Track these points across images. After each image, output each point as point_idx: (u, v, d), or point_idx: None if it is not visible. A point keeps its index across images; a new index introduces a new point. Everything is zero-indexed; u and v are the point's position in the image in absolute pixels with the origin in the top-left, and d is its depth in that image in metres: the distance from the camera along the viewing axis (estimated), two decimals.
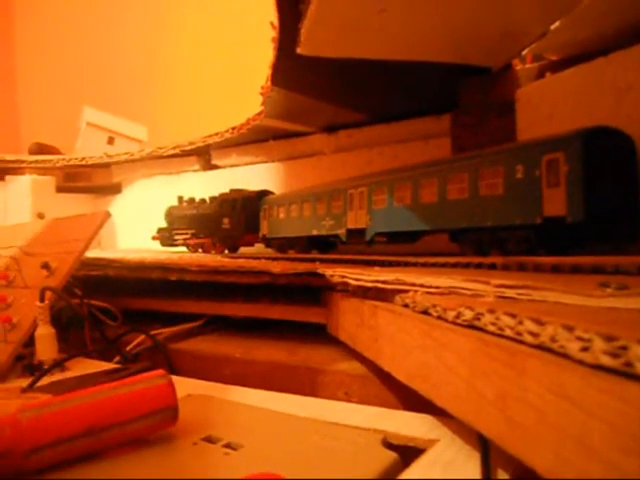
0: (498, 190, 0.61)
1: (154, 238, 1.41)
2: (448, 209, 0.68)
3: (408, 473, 0.28)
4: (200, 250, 1.29)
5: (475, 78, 0.86)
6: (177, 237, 1.36)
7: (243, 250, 1.22)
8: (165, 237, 1.39)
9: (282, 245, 1.07)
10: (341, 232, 0.88)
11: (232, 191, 1.23)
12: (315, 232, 0.94)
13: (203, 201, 1.31)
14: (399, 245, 0.81)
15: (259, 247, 1.21)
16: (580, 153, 0.52)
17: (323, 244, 0.99)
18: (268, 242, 1.12)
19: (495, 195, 0.61)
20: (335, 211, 0.89)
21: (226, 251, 1.22)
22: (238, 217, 1.18)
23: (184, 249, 1.34)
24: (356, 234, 0.85)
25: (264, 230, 1.12)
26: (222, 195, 1.24)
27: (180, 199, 1.38)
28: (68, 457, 0.30)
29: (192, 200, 1.34)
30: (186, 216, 1.33)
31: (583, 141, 0.53)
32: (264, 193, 1.18)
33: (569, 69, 0.71)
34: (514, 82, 0.83)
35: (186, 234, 1.32)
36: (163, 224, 1.41)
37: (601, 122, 0.64)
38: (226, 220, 1.20)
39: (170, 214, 1.39)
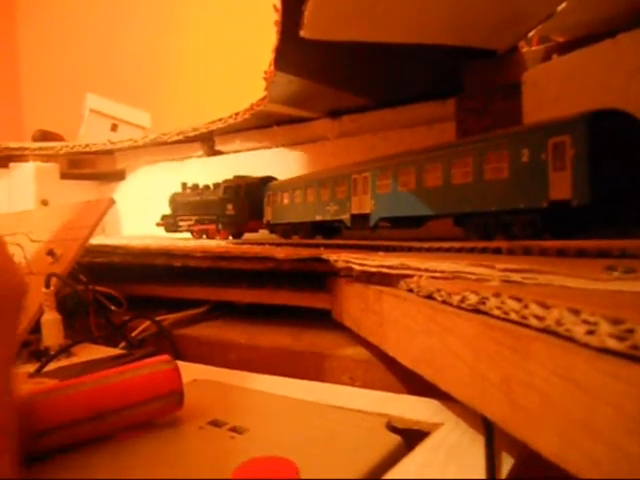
0: (503, 174, 0.60)
1: (158, 224, 1.41)
2: (452, 193, 0.67)
3: (412, 456, 0.29)
4: (204, 236, 1.29)
5: (480, 61, 0.85)
6: (181, 223, 1.36)
7: (247, 236, 1.22)
8: (169, 223, 1.39)
9: (286, 231, 1.07)
10: (345, 217, 0.88)
11: (236, 177, 1.23)
12: (319, 217, 0.94)
13: (207, 187, 1.31)
14: (403, 230, 0.81)
15: (263, 233, 1.21)
16: (586, 136, 0.52)
17: (327, 229, 0.99)
18: (272, 228, 1.12)
19: (500, 179, 0.61)
20: (339, 196, 0.89)
21: (230, 237, 1.22)
22: (242, 203, 1.18)
23: (188, 235, 1.34)
24: (360, 219, 0.84)
25: (268, 216, 1.12)
26: (226, 181, 1.23)
27: (184, 186, 1.38)
28: (76, 440, 0.30)
29: (196, 187, 1.34)
30: (190, 203, 1.33)
31: (589, 124, 0.52)
32: (268, 179, 1.18)
33: (576, 51, 0.70)
34: (520, 65, 0.82)
35: (190, 220, 1.32)
36: (167, 210, 1.41)
37: (609, 104, 0.64)
38: (230, 206, 1.20)
39: (174, 201, 1.39)
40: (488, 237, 0.64)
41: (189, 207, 1.33)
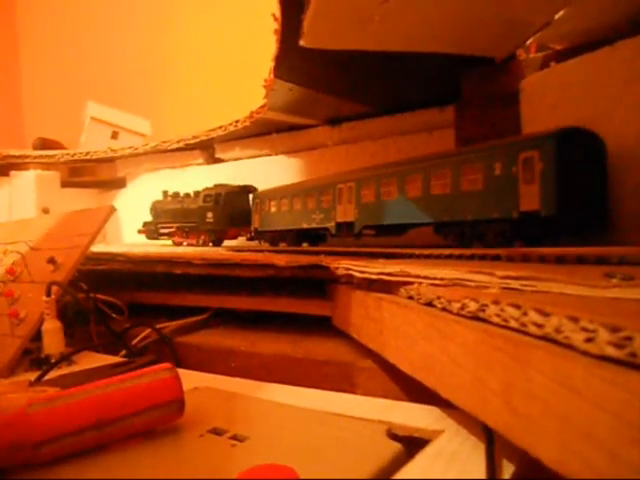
0: (478, 186, 0.64)
1: (139, 232, 1.44)
2: (432, 203, 0.71)
3: (413, 464, 0.29)
4: (185, 243, 1.32)
5: (479, 69, 0.86)
6: (162, 230, 1.39)
7: (228, 243, 1.26)
8: (150, 230, 1.42)
9: (274, 238, 1.10)
10: (330, 225, 0.91)
11: (216, 186, 1.26)
12: (305, 225, 0.97)
13: (187, 195, 1.34)
14: (386, 237, 0.84)
15: (242, 240, 1.26)
16: (553, 152, 0.56)
17: (313, 237, 1.03)
18: (260, 235, 1.15)
19: (475, 190, 0.65)
20: (325, 205, 0.92)
21: (210, 244, 1.25)
22: (222, 211, 1.21)
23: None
24: (345, 227, 0.88)
25: (256, 223, 1.15)
26: (206, 190, 1.27)
27: (165, 193, 1.41)
28: (76, 449, 0.30)
29: (176, 194, 1.37)
30: (171, 210, 1.36)
31: (556, 141, 0.56)
32: (248, 188, 1.22)
33: (574, 59, 0.71)
34: (518, 72, 0.82)
35: (171, 227, 1.35)
36: None
37: (606, 112, 0.64)
38: (210, 214, 1.23)
39: (155, 208, 1.42)
40: (465, 245, 0.67)
41: (170, 214, 1.36)
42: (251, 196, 1.22)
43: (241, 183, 1.25)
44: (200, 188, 1.34)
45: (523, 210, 0.59)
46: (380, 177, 0.80)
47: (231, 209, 1.21)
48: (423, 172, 0.72)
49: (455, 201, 0.67)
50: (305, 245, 1.03)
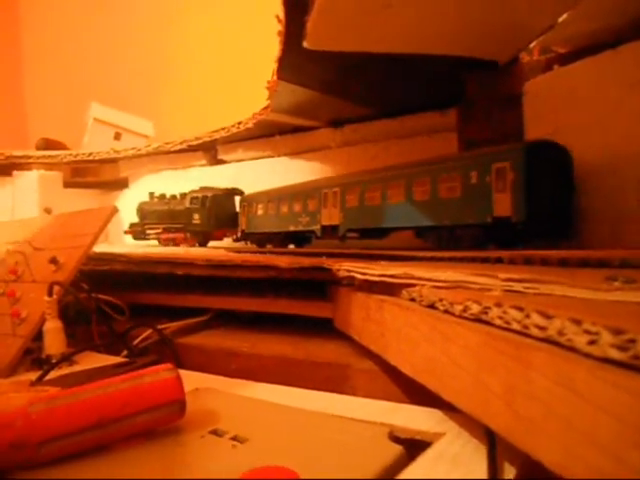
0: (456, 193, 0.69)
1: (126, 232, 1.46)
2: (413, 209, 0.76)
3: (414, 466, 0.28)
4: (171, 244, 1.34)
5: (482, 71, 0.86)
6: (149, 232, 1.41)
7: (214, 244, 1.29)
8: (137, 231, 1.44)
9: (261, 240, 1.14)
10: (316, 228, 0.95)
11: (202, 188, 1.29)
12: (292, 228, 1.01)
13: (174, 197, 1.37)
14: (369, 240, 0.87)
15: (227, 242, 1.29)
16: (523, 163, 0.61)
17: (299, 239, 1.06)
18: (247, 237, 1.18)
19: (453, 197, 0.69)
20: (310, 209, 0.96)
21: (197, 245, 1.28)
22: (208, 213, 1.25)
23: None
24: (330, 230, 0.92)
25: (243, 225, 1.18)
26: (192, 192, 1.30)
27: (151, 195, 1.43)
28: (77, 449, 0.30)
29: (163, 196, 1.40)
30: (157, 212, 1.38)
31: (525, 153, 0.61)
32: (234, 191, 1.26)
33: (577, 62, 0.71)
34: (521, 75, 0.82)
35: (158, 229, 1.38)
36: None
37: (609, 115, 0.64)
38: (196, 216, 1.27)
39: (141, 209, 1.44)
40: (442, 247, 0.71)
41: (157, 216, 1.39)
42: (238, 199, 1.26)
43: (240, 185, 1.28)
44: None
45: (496, 216, 0.64)
46: (364, 183, 0.85)
47: (217, 211, 1.25)
48: (405, 179, 0.77)
49: (434, 207, 0.72)
50: (291, 247, 1.07)
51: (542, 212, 0.62)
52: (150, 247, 1.30)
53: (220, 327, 0.72)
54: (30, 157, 1.48)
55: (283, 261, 0.59)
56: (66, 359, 0.54)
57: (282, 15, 0.66)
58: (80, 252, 0.64)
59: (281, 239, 1.07)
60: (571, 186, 0.65)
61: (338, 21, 0.67)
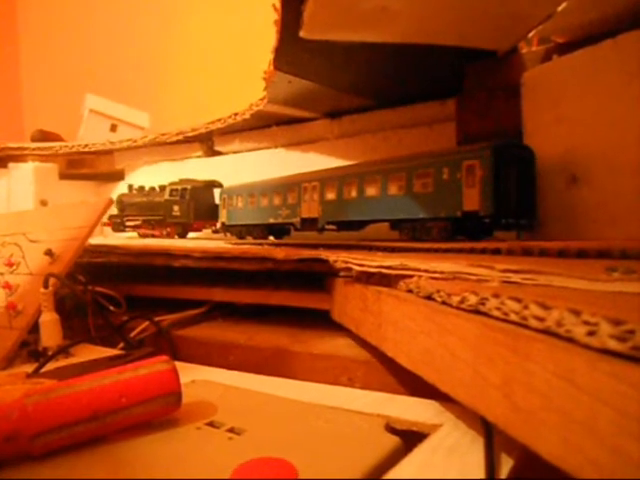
0: (429, 188, 0.74)
1: (105, 224, 1.47)
2: (389, 202, 0.80)
3: (411, 458, 0.28)
4: (151, 236, 1.36)
5: (480, 62, 0.85)
6: (128, 223, 1.42)
7: (193, 235, 1.32)
8: (117, 223, 1.45)
9: (241, 232, 1.17)
10: (296, 220, 0.99)
11: (182, 180, 1.31)
12: (272, 220, 1.05)
13: (153, 189, 1.38)
14: (347, 232, 0.92)
15: (207, 233, 1.32)
16: (490, 161, 0.66)
17: (278, 231, 1.11)
18: (227, 229, 1.21)
19: (426, 192, 0.74)
20: (290, 202, 1.00)
21: (176, 236, 1.30)
22: (187, 205, 1.27)
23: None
24: (309, 222, 0.96)
25: (223, 218, 1.21)
26: (172, 184, 1.32)
27: (130, 187, 1.44)
28: (73, 441, 0.30)
29: (142, 188, 1.41)
30: (137, 203, 1.40)
31: (493, 152, 0.66)
32: (213, 183, 1.29)
33: (576, 52, 0.70)
34: (520, 65, 0.82)
35: (137, 220, 1.39)
36: None
37: (609, 105, 0.64)
38: (176, 207, 1.29)
39: (121, 201, 1.45)
40: (416, 239, 0.76)
41: (136, 208, 1.40)
42: (217, 191, 1.28)
43: (237, 176, 1.27)
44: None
45: (465, 210, 0.68)
46: (342, 178, 0.89)
47: (197, 203, 1.27)
48: (381, 175, 0.81)
49: (409, 201, 0.77)
50: (271, 239, 1.11)
51: (507, 206, 0.67)
52: (147, 239, 1.30)
53: (218, 319, 0.72)
54: (25, 149, 1.47)
55: (280, 253, 0.59)
56: (62, 351, 0.54)
57: (279, 4, 0.65)
58: (76, 244, 0.63)
59: (261, 231, 1.11)
60: (533, 182, 0.70)
61: (335, 10, 0.66)
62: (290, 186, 1.00)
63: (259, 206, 1.09)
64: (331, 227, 0.94)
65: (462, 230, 0.71)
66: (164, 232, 1.33)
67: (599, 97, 0.67)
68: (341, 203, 0.89)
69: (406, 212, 0.77)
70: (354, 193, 0.86)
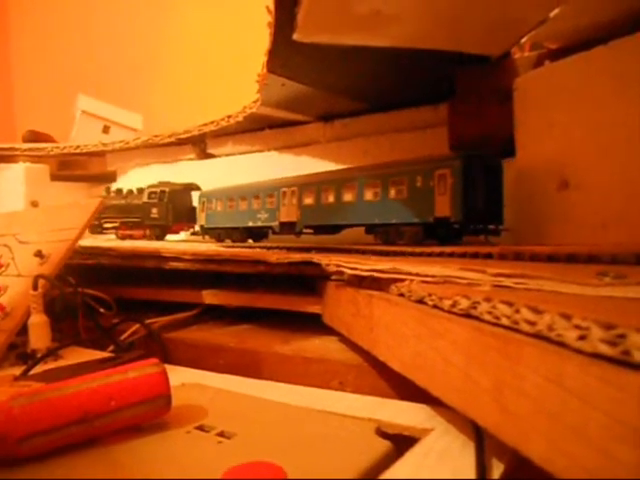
0: (403, 195, 0.78)
1: None
2: (365, 208, 0.84)
3: (402, 462, 0.28)
4: (129, 237, 1.37)
5: (473, 66, 0.85)
6: (106, 225, 1.43)
7: (171, 237, 1.34)
8: (94, 225, 1.45)
9: (220, 234, 1.20)
10: (274, 224, 1.03)
11: (160, 183, 1.33)
12: (251, 223, 1.09)
13: (130, 192, 1.39)
14: (324, 235, 0.96)
15: (186, 235, 1.35)
16: (461, 170, 0.70)
17: (257, 234, 1.13)
18: (206, 231, 1.24)
19: (400, 199, 0.78)
20: (269, 206, 1.04)
21: (154, 238, 1.32)
22: (166, 208, 1.29)
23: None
24: (288, 226, 1.00)
25: (201, 220, 1.24)
26: (150, 187, 1.33)
27: (108, 189, 1.45)
28: (61, 444, 0.30)
29: (119, 191, 1.42)
30: (115, 206, 1.40)
31: (463, 162, 0.70)
32: (191, 186, 1.31)
33: (568, 57, 0.71)
34: (512, 71, 0.82)
35: (115, 222, 1.40)
36: None
37: (601, 111, 0.64)
38: (155, 210, 1.31)
39: None
40: (390, 243, 0.80)
41: (114, 210, 1.40)
42: (196, 195, 1.29)
43: (229, 179, 1.27)
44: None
45: (437, 216, 0.73)
46: (321, 184, 0.93)
47: (175, 205, 1.29)
48: (358, 182, 0.86)
49: (384, 207, 0.81)
50: (250, 242, 1.14)
51: (476, 213, 0.71)
52: (138, 242, 1.30)
53: (209, 322, 0.71)
54: (16, 149, 1.46)
55: (273, 256, 0.58)
56: (51, 354, 0.53)
57: (272, 6, 0.65)
58: (66, 246, 0.63)
59: (240, 234, 1.14)
60: (500, 190, 0.74)
61: (329, 13, 0.66)
62: (269, 191, 1.04)
63: (238, 210, 1.13)
64: (308, 231, 0.98)
65: (433, 235, 0.75)
66: (143, 234, 1.34)
67: (591, 103, 0.67)
68: (319, 208, 0.93)
69: (381, 217, 0.82)
70: (331, 198, 0.90)
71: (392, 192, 0.79)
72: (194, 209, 1.28)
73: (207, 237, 1.24)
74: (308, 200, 0.95)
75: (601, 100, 0.66)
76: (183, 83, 2.06)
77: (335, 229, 0.93)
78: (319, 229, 0.96)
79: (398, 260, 0.48)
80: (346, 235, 0.93)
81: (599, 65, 0.66)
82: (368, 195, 0.83)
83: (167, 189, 1.30)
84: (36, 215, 0.75)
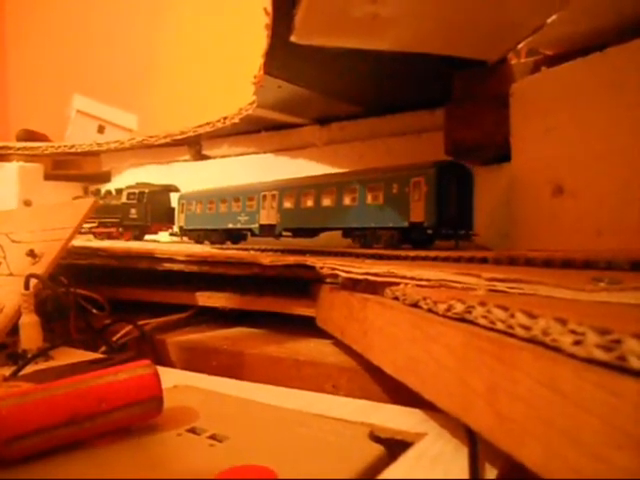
0: (379, 200, 0.81)
1: None
2: (343, 212, 0.88)
3: (395, 467, 0.28)
4: (106, 238, 1.38)
5: (470, 71, 0.86)
6: (84, 225, 1.41)
7: (150, 238, 1.36)
8: None
9: (199, 236, 1.22)
10: (255, 227, 1.06)
11: (139, 184, 1.35)
12: (231, 225, 1.12)
13: (109, 192, 1.41)
14: (302, 238, 0.99)
15: (163, 236, 1.37)
16: (434, 178, 0.74)
17: (236, 236, 1.16)
18: (185, 232, 1.27)
19: (377, 204, 0.82)
20: (249, 209, 1.07)
21: (133, 239, 1.33)
22: (145, 208, 1.31)
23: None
24: (267, 228, 1.03)
25: (181, 222, 1.27)
26: (129, 187, 1.35)
27: (85, 190, 1.49)
28: (50, 446, 0.29)
29: (98, 191, 1.45)
30: None
31: (436, 170, 0.74)
32: (169, 187, 1.34)
33: (565, 64, 0.71)
34: (509, 76, 0.82)
35: (93, 223, 1.40)
36: None
37: (597, 118, 0.65)
38: (134, 210, 1.33)
39: None
40: (367, 246, 0.83)
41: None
42: (175, 196, 1.32)
43: (224, 181, 1.27)
44: (186, 184, 1.35)
45: (412, 221, 0.76)
46: (300, 189, 0.96)
47: (154, 206, 1.31)
48: (336, 187, 0.89)
49: (361, 211, 0.84)
50: (229, 243, 1.15)
51: (448, 219, 0.75)
52: (131, 242, 1.29)
53: (202, 324, 0.71)
54: (10, 148, 1.45)
55: (267, 258, 0.58)
56: (42, 354, 0.53)
57: (270, 8, 0.65)
58: (59, 245, 0.62)
59: (219, 235, 1.16)
60: (471, 197, 0.78)
61: (326, 15, 0.66)
62: (250, 194, 1.07)
63: (218, 212, 1.15)
64: (287, 234, 1.01)
65: (408, 239, 0.79)
66: (121, 234, 1.35)
67: (587, 109, 0.68)
68: (298, 211, 0.96)
69: (358, 221, 0.85)
70: (310, 203, 0.93)
71: (370, 197, 0.83)
72: (173, 210, 1.30)
73: (185, 238, 1.26)
74: (288, 204, 0.98)
75: (597, 107, 0.66)
76: (179, 84, 2.06)
77: (314, 232, 0.96)
78: (298, 232, 0.99)
79: (393, 264, 0.48)
80: (323, 238, 0.96)
81: (595, 72, 0.66)
82: (347, 200, 0.87)
83: (146, 190, 1.32)
84: (29, 214, 0.75)
